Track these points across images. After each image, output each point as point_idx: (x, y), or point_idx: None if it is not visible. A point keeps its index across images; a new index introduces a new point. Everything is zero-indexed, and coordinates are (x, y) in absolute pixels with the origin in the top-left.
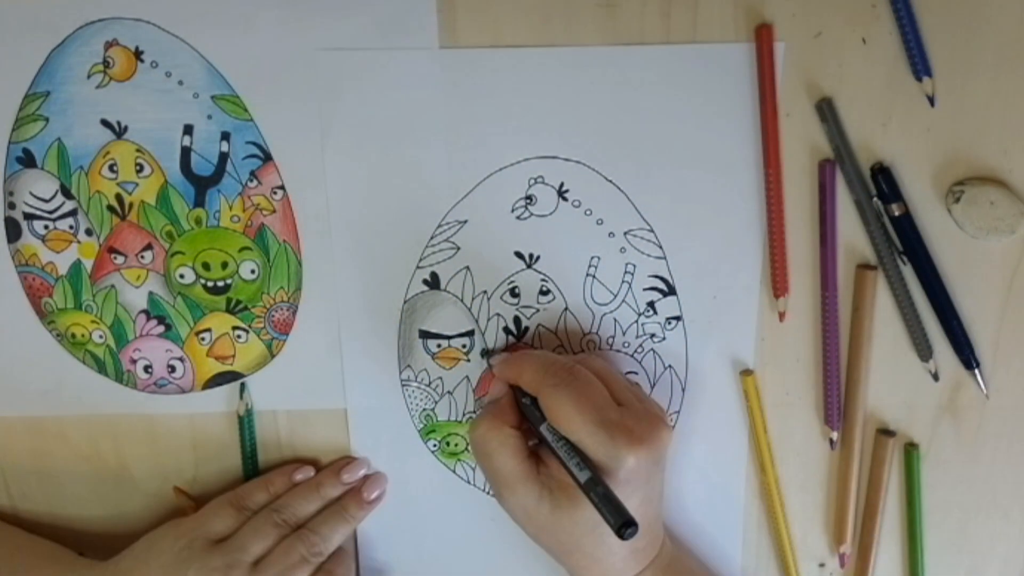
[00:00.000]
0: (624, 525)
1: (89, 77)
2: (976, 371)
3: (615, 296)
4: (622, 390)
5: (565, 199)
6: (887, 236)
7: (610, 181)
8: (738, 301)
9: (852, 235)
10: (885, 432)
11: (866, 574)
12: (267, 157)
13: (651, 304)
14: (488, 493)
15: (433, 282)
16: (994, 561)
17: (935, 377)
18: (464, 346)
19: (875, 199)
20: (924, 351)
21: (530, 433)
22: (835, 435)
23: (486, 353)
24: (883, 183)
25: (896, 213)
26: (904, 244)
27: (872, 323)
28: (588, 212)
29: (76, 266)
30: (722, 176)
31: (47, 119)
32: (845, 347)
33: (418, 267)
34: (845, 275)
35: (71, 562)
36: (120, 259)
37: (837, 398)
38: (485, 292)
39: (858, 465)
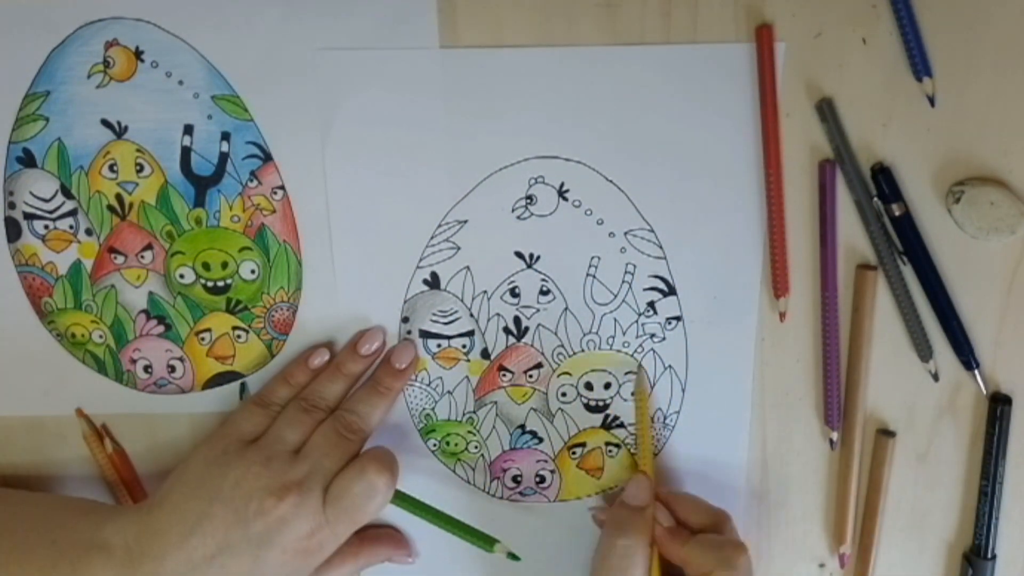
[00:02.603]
0: None
1: (89, 77)
2: (976, 371)
3: (615, 296)
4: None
5: (565, 199)
6: (887, 236)
7: (610, 181)
8: (738, 301)
9: (852, 235)
10: (885, 432)
11: (866, 574)
12: (267, 157)
13: (651, 304)
14: (488, 493)
15: (433, 282)
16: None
17: (935, 377)
18: (464, 346)
19: (875, 199)
20: (924, 351)
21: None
22: (835, 435)
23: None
24: (883, 183)
25: (896, 213)
26: (904, 244)
27: (872, 323)
28: (588, 212)
29: (76, 266)
30: (722, 176)
31: (47, 119)
32: (845, 347)
33: (418, 267)
34: (845, 275)
35: (108, 512)
36: (120, 259)
37: (837, 398)
38: (485, 292)
39: (858, 465)
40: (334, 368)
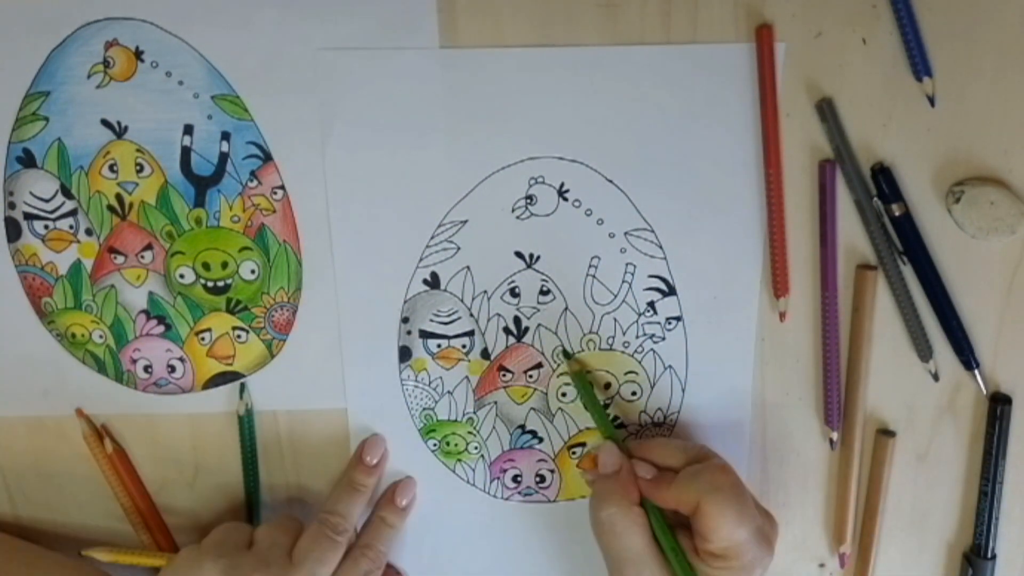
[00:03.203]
0: None
1: (89, 77)
2: (976, 371)
3: (615, 296)
4: (750, 492)
5: (565, 199)
6: (887, 236)
7: (610, 181)
8: (738, 301)
9: (852, 235)
10: (885, 432)
11: (866, 574)
12: (267, 157)
13: (651, 304)
14: (488, 493)
15: (433, 282)
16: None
17: (935, 377)
18: (464, 346)
19: (875, 199)
20: (924, 351)
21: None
22: (835, 435)
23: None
24: (883, 183)
25: (896, 213)
26: (904, 244)
27: (872, 323)
28: (588, 212)
29: (76, 266)
30: (722, 176)
31: (47, 119)
32: (845, 347)
33: (418, 267)
34: (845, 275)
35: None
36: (120, 259)
37: (837, 398)
38: (485, 292)
39: (858, 465)
40: (380, 521)
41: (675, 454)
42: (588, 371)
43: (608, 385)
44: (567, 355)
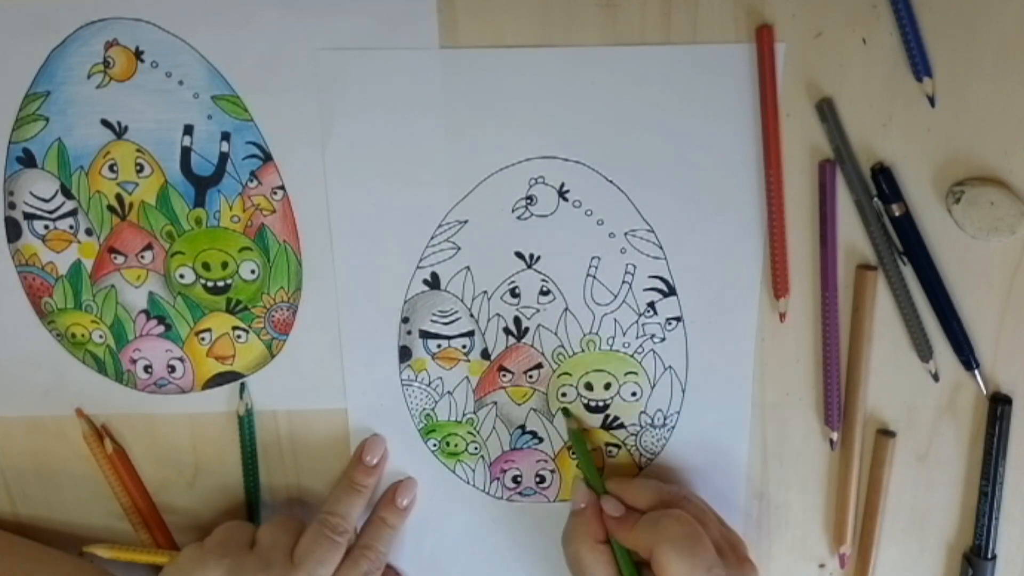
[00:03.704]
0: None
1: (89, 77)
2: (976, 371)
3: (615, 296)
4: (717, 536)
5: (566, 199)
6: (887, 236)
7: (611, 182)
8: (738, 302)
9: (852, 235)
10: (885, 432)
11: (866, 574)
12: (267, 157)
13: (651, 304)
14: (488, 493)
15: (433, 282)
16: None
17: (935, 377)
18: (464, 346)
19: (875, 199)
20: (924, 351)
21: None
22: (835, 435)
23: (576, 436)
24: (883, 183)
25: (896, 213)
26: (904, 244)
27: (872, 323)
28: (589, 212)
29: (76, 266)
30: (723, 176)
31: (47, 119)
32: (845, 347)
33: (418, 267)
34: (845, 275)
35: None
36: (120, 259)
37: (837, 398)
38: (485, 292)
39: (858, 465)
40: (380, 522)
41: (647, 495)
42: (584, 429)
43: (608, 385)
44: (567, 413)
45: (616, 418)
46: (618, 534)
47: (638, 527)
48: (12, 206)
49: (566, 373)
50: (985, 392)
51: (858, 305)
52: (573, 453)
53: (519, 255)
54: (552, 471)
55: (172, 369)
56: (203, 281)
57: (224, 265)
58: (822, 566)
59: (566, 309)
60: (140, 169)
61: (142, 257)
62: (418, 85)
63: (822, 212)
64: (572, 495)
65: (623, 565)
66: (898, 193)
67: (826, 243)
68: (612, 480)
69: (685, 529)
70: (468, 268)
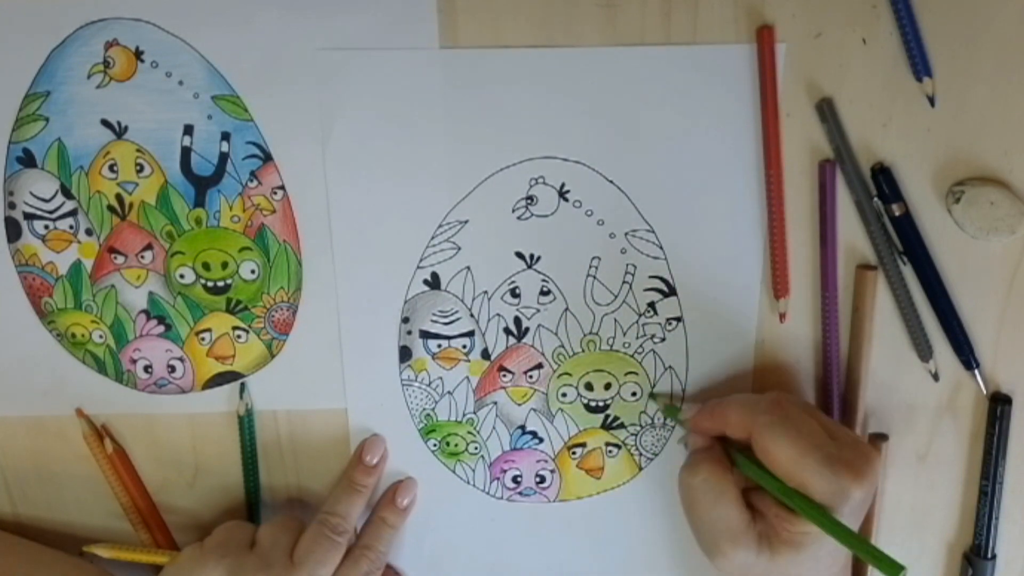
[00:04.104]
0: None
1: (89, 77)
2: (976, 371)
3: (615, 297)
4: (827, 421)
5: (566, 199)
6: (887, 236)
7: (611, 182)
8: (738, 302)
9: (852, 235)
10: (877, 436)
11: (864, 573)
12: (267, 157)
13: (651, 305)
14: (488, 493)
15: (433, 282)
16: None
17: (935, 377)
18: (464, 346)
19: (875, 199)
20: (924, 351)
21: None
22: None
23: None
24: (883, 183)
25: (896, 213)
26: (904, 244)
27: (872, 323)
28: (589, 213)
29: (76, 266)
30: (723, 177)
31: (47, 119)
32: (845, 347)
33: (418, 267)
34: (845, 275)
35: None
36: (120, 259)
37: (837, 398)
38: (486, 292)
39: None
40: (380, 522)
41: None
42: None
43: (608, 385)
44: (653, 397)
45: (616, 418)
46: (712, 424)
47: (732, 407)
48: (12, 206)
49: (566, 373)
50: (985, 392)
51: (858, 305)
52: (573, 399)
53: (519, 255)
54: (552, 471)
55: (172, 369)
56: (203, 281)
57: (224, 265)
58: None
59: (566, 309)
60: (140, 169)
61: (142, 257)
62: (418, 85)
63: (822, 212)
64: (689, 442)
65: (757, 475)
66: (898, 193)
67: (826, 243)
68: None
69: (778, 413)
70: (468, 268)
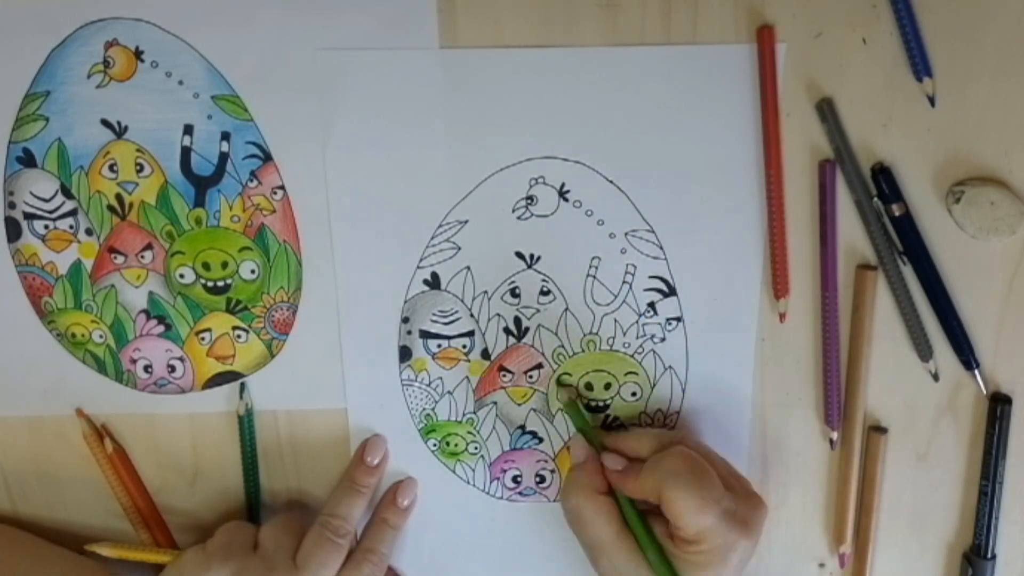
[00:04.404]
0: None
1: (89, 77)
2: (976, 371)
3: (616, 297)
4: (725, 471)
5: (566, 199)
6: (887, 236)
7: (611, 182)
8: (738, 302)
9: (852, 235)
10: (877, 429)
11: (864, 573)
12: (267, 157)
13: (651, 305)
14: (488, 493)
15: (433, 282)
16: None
17: (935, 377)
18: (464, 346)
19: (875, 199)
20: (924, 351)
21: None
22: (835, 435)
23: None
24: (883, 183)
25: (896, 213)
26: (904, 244)
27: (872, 323)
28: (589, 213)
29: (76, 266)
30: (723, 177)
31: (47, 119)
32: (845, 347)
33: (418, 267)
34: (845, 275)
35: None
36: (120, 259)
37: (837, 398)
38: (486, 292)
39: (858, 465)
40: (382, 523)
41: (647, 443)
42: (579, 395)
43: (608, 385)
44: (560, 383)
45: (616, 418)
46: (623, 486)
47: (643, 472)
48: (12, 206)
49: (566, 373)
50: (985, 392)
51: (858, 305)
52: (566, 415)
53: (519, 255)
54: (552, 471)
55: (172, 369)
56: (203, 281)
57: (224, 265)
58: (822, 565)
59: (566, 309)
60: (140, 169)
61: (142, 257)
62: (418, 85)
63: (822, 212)
64: (571, 451)
65: (628, 515)
66: (898, 193)
67: (826, 243)
68: (609, 436)
69: (690, 464)
70: (468, 268)
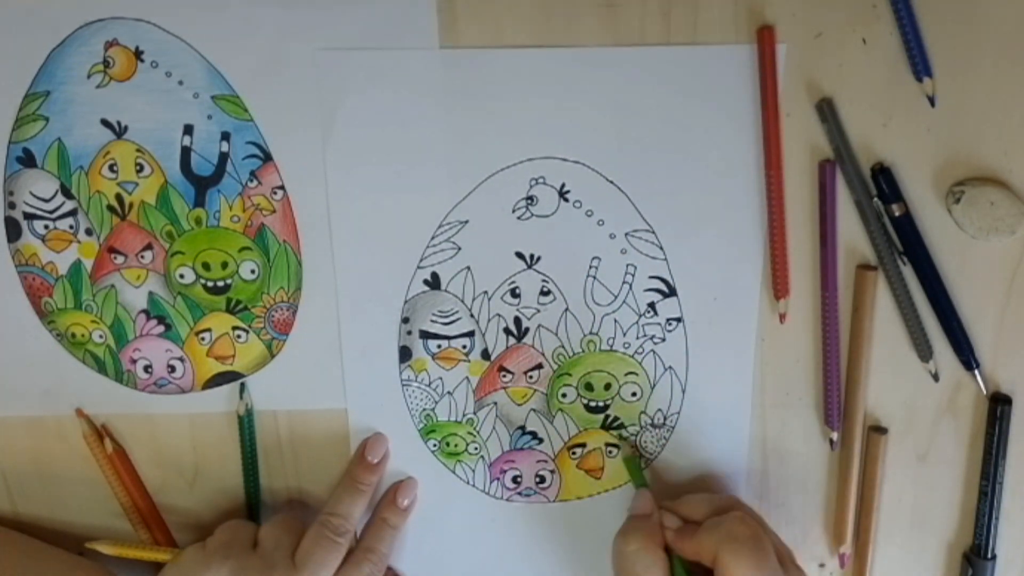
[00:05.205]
0: None
1: (89, 77)
2: (976, 371)
3: (616, 297)
4: (778, 544)
5: (566, 200)
6: (887, 236)
7: (611, 182)
8: (738, 302)
9: (852, 235)
10: (877, 429)
11: (864, 573)
12: (267, 157)
13: (651, 305)
14: (488, 493)
15: (434, 282)
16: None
17: (935, 377)
18: (464, 347)
19: (875, 199)
20: (924, 351)
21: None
22: (835, 435)
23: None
24: (883, 183)
25: (896, 213)
26: (904, 244)
27: (872, 323)
28: (589, 213)
29: (76, 266)
30: (723, 177)
31: (47, 119)
32: (845, 347)
33: (419, 267)
34: (845, 275)
35: None
36: (120, 259)
37: (837, 398)
38: (486, 292)
39: (858, 465)
40: (381, 522)
41: (701, 507)
42: (637, 454)
43: (608, 386)
44: (622, 437)
45: (616, 418)
46: (679, 545)
47: (700, 533)
48: (12, 206)
49: (566, 373)
50: (985, 392)
51: (858, 305)
52: (573, 400)
53: (519, 255)
54: (552, 471)
55: (172, 369)
56: (203, 281)
57: (224, 265)
58: (822, 566)
59: (566, 309)
60: (140, 169)
61: (142, 257)
62: (418, 85)
63: (822, 212)
64: (635, 502)
65: (680, 574)
66: (898, 193)
67: (826, 243)
68: (665, 502)
69: (749, 530)
70: (468, 268)
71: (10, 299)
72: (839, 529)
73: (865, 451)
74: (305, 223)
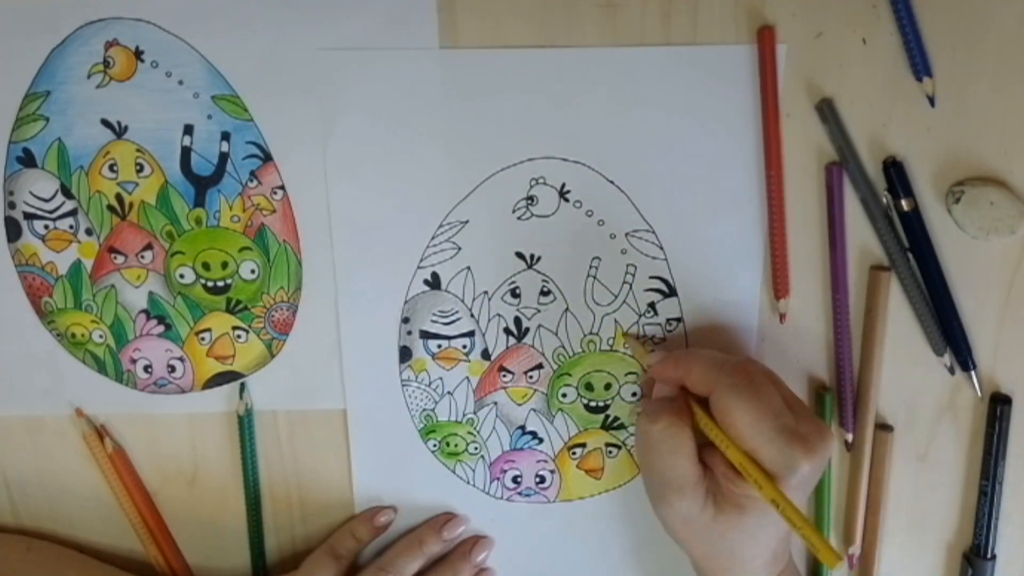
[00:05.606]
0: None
1: (89, 77)
2: (972, 373)
3: (616, 297)
4: (789, 394)
5: (566, 200)
6: (896, 235)
7: (611, 182)
8: (739, 303)
9: (857, 235)
10: (883, 427)
11: (871, 572)
12: (267, 157)
13: (652, 305)
14: (488, 493)
15: (434, 282)
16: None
17: (951, 371)
18: (464, 346)
19: (885, 193)
20: (939, 346)
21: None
22: (850, 436)
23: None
24: (895, 177)
25: (906, 208)
26: (911, 240)
27: (885, 324)
28: (589, 213)
29: (76, 266)
30: (723, 177)
31: (47, 119)
32: (857, 349)
33: (419, 267)
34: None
35: None
36: (120, 259)
37: (852, 400)
38: (486, 292)
39: (868, 467)
40: (416, 543)
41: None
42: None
43: (608, 386)
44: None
45: (616, 418)
46: (662, 374)
47: (699, 370)
48: (12, 206)
49: (566, 373)
50: (980, 393)
51: (871, 306)
52: (573, 399)
53: (520, 255)
54: (552, 471)
55: (172, 369)
56: (203, 281)
57: (224, 265)
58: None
59: (567, 309)
60: (140, 169)
61: (142, 257)
62: (418, 85)
63: (830, 214)
64: (655, 388)
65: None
66: (908, 188)
67: (835, 246)
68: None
69: (747, 373)
70: (469, 268)
71: (10, 299)
72: (848, 530)
73: (872, 450)
74: (305, 223)
